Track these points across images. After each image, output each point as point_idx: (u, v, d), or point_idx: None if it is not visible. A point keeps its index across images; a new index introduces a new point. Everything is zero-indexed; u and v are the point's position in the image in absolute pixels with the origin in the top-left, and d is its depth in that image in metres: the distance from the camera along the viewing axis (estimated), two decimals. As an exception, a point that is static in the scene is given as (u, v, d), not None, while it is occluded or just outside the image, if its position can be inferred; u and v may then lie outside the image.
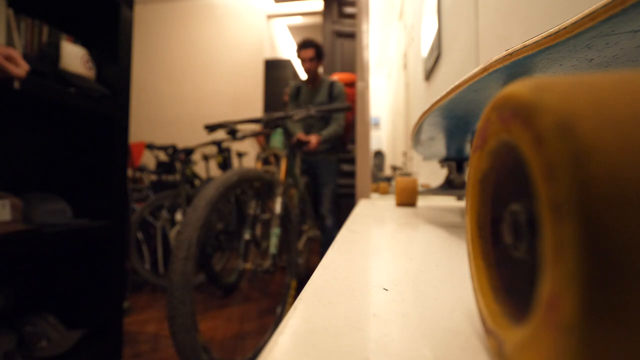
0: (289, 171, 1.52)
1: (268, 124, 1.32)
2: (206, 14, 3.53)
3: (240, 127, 3.19)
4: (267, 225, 1.15)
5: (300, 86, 2.06)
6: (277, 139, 1.29)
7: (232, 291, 1.80)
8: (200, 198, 0.76)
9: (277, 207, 1.07)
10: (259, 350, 1.01)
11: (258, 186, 1.03)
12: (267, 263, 1.02)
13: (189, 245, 0.69)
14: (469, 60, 1.06)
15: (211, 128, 1.38)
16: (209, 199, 0.76)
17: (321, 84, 2.04)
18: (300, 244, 1.66)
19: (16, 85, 0.75)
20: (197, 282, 1.92)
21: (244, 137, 1.44)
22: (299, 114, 1.31)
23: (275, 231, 1.05)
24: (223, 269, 2.06)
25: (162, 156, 2.65)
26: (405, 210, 0.65)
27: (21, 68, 0.74)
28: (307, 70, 1.98)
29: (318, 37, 4.58)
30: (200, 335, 0.70)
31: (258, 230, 1.10)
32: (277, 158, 1.25)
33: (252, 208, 1.10)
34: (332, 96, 2.04)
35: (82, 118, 1.07)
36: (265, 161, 1.26)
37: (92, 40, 1.10)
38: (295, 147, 1.89)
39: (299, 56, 2.00)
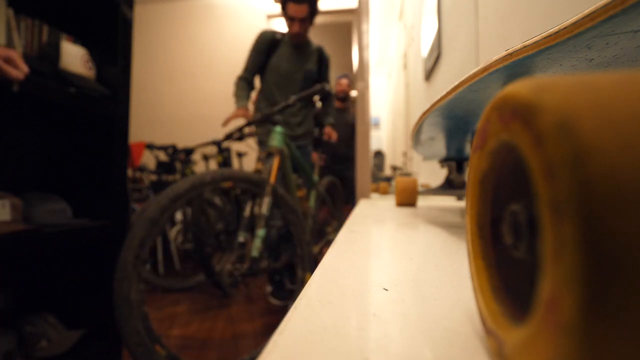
0: (304, 171, 1.47)
1: (263, 121, 1.26)
2: (206, 14, 3.53)
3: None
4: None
5: (279, 40, 1.61)
6: (275, 138, 1.21)
7: (227, 291, 1.79)
8: (141, 215, 0.76)
9: (264, 207, 1.01)
10: (258, 351, 1.00)
11: (227, 188, 0.95)
12: (244, 266, 0.96)
13: (125, 264, 0.71)
14: (469, 60, 1.06)
15: (228, 137, 1.39)
16: (147, 216, 0.75)
17: (308, 46, 1.65)
18: (317, 248, 1.61)
19: (15, 88, 0.75)
20: (196, 282, 1.92)
21: (250, 135, 1.44)
22: (279, 106, 1.25)
23: (260, 233, 0.98)
24: (222, 269, 2.07)
25: (162, 156, 2.65)
26: (405, 210, 0.65)
27: (20, 71, 0.74)
28: (296, 35, 1.55)
29: (321, 40, 4.57)
30: (163, 347, 0.72)
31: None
32: (271, 157, 1.18)
33: (247, 210, 1.05)
34: (321, 65, 1.70)
35: (82, 118, 1.07)
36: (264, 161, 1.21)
37: (92, 40, 1.10)
38: (319, 145, 1.81)
39: (286, 12, 1.51)
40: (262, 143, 1.66)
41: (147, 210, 0.77)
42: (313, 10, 1.52)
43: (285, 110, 1.29)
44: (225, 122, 1.45)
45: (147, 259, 0.76)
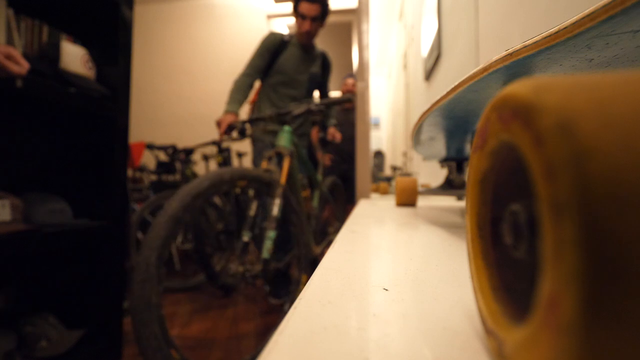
0: (308, 170, 1.44)
1: (275, 121, 1.22)
2: (206, 14, 3.53)
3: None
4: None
5: (287, 42, 1.61)
6: (285, 137, 1.16)
7: (232, 291, 1.80)
8: (163, 213, 0.72)
9: (275, 209, 0.99)
10: (259, 351, 1.00)
11: (243, 186, 0.92)
12: (257, 268, 0.94)
13: (147, 266, 0.67)
14: (469, 60, 1.06)
15: (230, 129, 1.35)
16: (170, 214, 0.73)
17: (313, 49, 1.67)
18: (318, 248, 1.56)
19: (19, 84, 0.75)
20: (197, 282, 1.92)
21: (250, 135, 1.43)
22: (298, 109, 1.21)
23: (270, 234, 0.97)
24: (223, 269, 2.07)
25: (162, 156, 2.65)
26: (405, 210, 0.65)
27: (22, 66, 0.75)
28: (306, 33, 1.56)
29: (321, 40, 4.57)
30: (177, 351, 0.69)
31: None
32: (280, 157, 1.14)
33: (253, 209, 1.03)
34: (325, 70, 1.73)
35: (82, 118, 1.07)
36: (271, 160, 1.14)
37: (92, 40, 1.10)
38: (324, 145, 1.77)
39: (298, 10, 1.54)
40: (256, 140, 1.62)
41: (168, 209, 0.74)
42: (324, 11, 1.55)
43: (310, 114, 1.25)
44: (221, 136, 1.41)
45: (166, 259, 0.72)
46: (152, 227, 0.72)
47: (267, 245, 0.96)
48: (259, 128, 1.60)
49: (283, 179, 1.06)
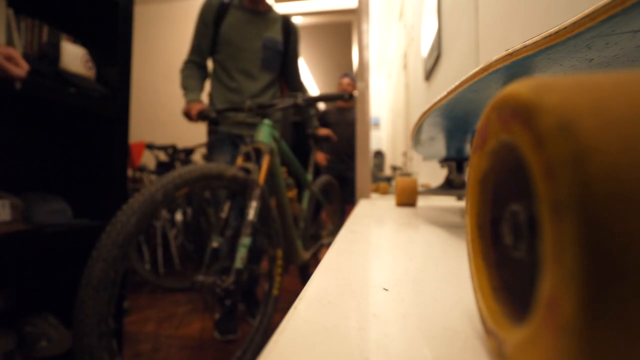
0: (295, 169, 1.32)
1: (252, 112, 1.06)
2: (206, 14, 3.53)
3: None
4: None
5: (228, 5, 1.33)
6: (264, 132, 1.03)
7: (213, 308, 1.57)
8: (101, 246, 0.61)
9: (251, 212, 0.87)
10: (246, 347, 0.94)
11: (186, 193, 0.77)
12: (229, 280, 0.82)
13: (92, 312, 0.61)
14: (469, 60, 1.06)
15: (198, 117, 1.18)
16: (112, 247, 0.62)
17: (269, 11, 1.38)
18: (307, 254, 1.40)
19: (18, 85, 0.75)
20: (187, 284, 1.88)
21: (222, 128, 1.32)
22: (283, 102, 1.06)
23: (245, 241, 0.85)
24: (204, 282, 2.02)
25: (162, 156, 2.65)
26: (405, 210, 0.65)
27: (21, 68, 0.75)
28: None
29: (321, 40, 4.58)
30: None
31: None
32: (259, 154, 1.01)
33: (225, 211, 0.92)
34: (288, 36, 1.41)
35: (82, 118, 1.07)
36: (248, 156, 1.00)
37: (92, 40, 1.10)
38: (315, 143, 1.59)
39: None
40: (212, 133, 1.42)
41: (108, 241, 0.62)
42: None
43: (289, 108, 1.10)
44: (194, 121, 1.23)
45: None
46: (89, 262, 0.63)
47: (242, 254, 0.85)
48: (232, 120, 1.36)
49: (262, 178, 0.94)
